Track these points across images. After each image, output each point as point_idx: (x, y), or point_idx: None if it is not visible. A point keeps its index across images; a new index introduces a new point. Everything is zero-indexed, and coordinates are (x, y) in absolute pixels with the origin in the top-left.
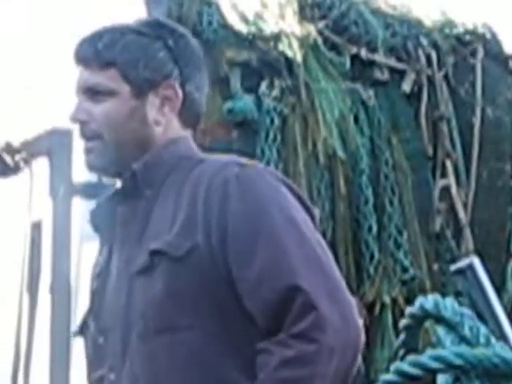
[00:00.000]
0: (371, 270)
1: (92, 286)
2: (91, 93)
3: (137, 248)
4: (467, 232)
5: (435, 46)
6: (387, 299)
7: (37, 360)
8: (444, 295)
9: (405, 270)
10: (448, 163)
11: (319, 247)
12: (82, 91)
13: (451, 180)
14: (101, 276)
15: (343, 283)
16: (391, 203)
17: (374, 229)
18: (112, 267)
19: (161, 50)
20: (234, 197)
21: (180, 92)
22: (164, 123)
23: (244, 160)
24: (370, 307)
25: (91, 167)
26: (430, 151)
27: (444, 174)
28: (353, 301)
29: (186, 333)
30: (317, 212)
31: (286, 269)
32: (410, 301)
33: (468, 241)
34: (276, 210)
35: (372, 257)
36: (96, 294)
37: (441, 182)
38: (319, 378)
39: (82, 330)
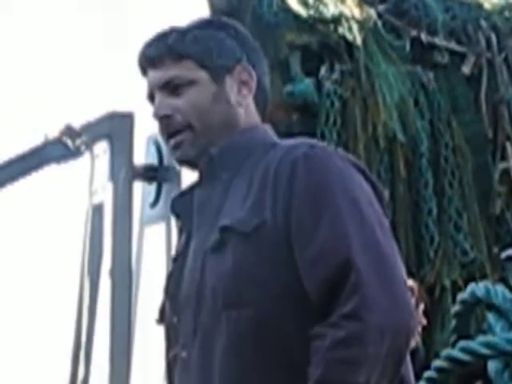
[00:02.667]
0: (431, 253)
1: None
2: (170, 87)
3: (211, 229)
4: None
5: (495, 28)
6: (447, 282)
7: (98, 343)
8: (504, 278)
9: (465, 252)
10: (508, 146)
11: (380, 229)
12: (158, 89)
13: (511, 163)
14: (177, 260)
15: (400, 268)
16: (451, 186)
17: (434, 212)
18: (189, 251)
19: (227, 39)
20: (300, 175)
21: (254, 73)
22: (244, 104)
23: (314, 141)
24: (429, 290)
25: (183, 161)
26: (490, 134)
27: (504, 157)
28: (407, 284)
29: (253, 308)
30: (386, 194)
31: (343, 247)
32: (469, 283)
33: None
34: (340, 189)
35: (432, 240)
36: (172, 277)
37: (501, 165)
38: (371, 358)
39: (162, 315)
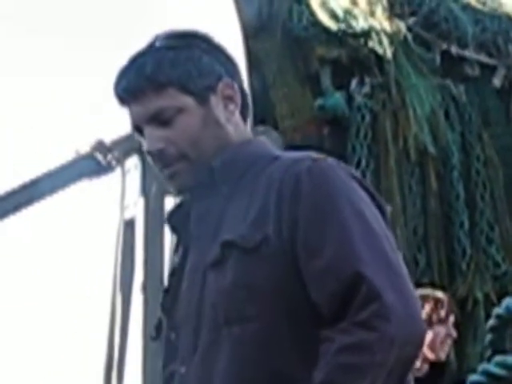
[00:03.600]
0: (463, 265)
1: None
2: (157, 119)
3: (211, 243)
4: None
5: None
6: (480, 295)
7: (130, 359)
8: None
9: (497, 265)
10: None
11: (387, 242)
12: (145, 123)
13: None
14: (175, 275)
15: (409, 279)
16: (483, 198)
17: (466, 224)
18: (187, 265)
19: (202, 56)
20: (304, 189)
21: (237, 87)
22: (233, 121)
23: (317, 155)
24: (462, 303)
25: (180, 190)
26: None
27: None
28: (417, 296)
29: (254, 324)
30: (388, 208)
31: (352, 259)
32: (502, 296)
33: None
34: (345, 203)
35: (464, 252)
36: (169, 292)
37: None
38: (377, 367)
39: (158, 331)
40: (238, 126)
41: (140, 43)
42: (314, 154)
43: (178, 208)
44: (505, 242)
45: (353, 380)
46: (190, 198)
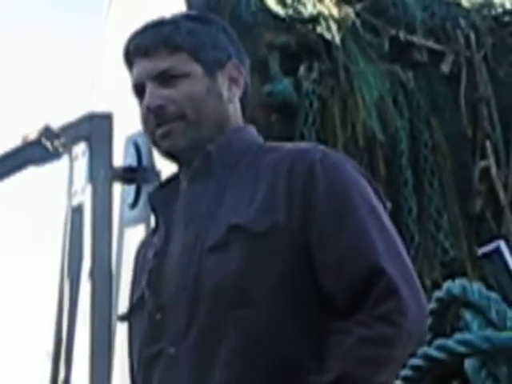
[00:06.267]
0: (412, 252)
1: (144, 265)
2: (163, 78)
3: (209, 225)
4: (507, 213)
5: (474, 27)
6: (428, 282)
7: (78, 345)
8: (484, 277)
9: (445, 251)
10: (488, 144)
11: (397, 236)
12: (150, 79)
13: (491, 161)
14: (158, 255)
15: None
16: (431, 185)
17: (414, 211)
18: (172, 246)
19: (219, 33)
20: (318, 181)
21: (243, 71)
22: (234, 102)
23: (323, 147)
24: None
25: (170, 150)
26: (470, 133)
27: (484, 156)
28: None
29: (260, 309)
30: (389, 205)
31: (370, 251)
32: None
33: (508, 222)
34: (359, 197)
35: (412, 239)
36: (153, 273)
37: (480, 164)
38: (394, 362)
39: (132, 311)
40: (236, 109)
41: None
42: (321, 146)
43: (159, 189)
44: (453, 229)
45: (371, 373)
46: (181, 179)
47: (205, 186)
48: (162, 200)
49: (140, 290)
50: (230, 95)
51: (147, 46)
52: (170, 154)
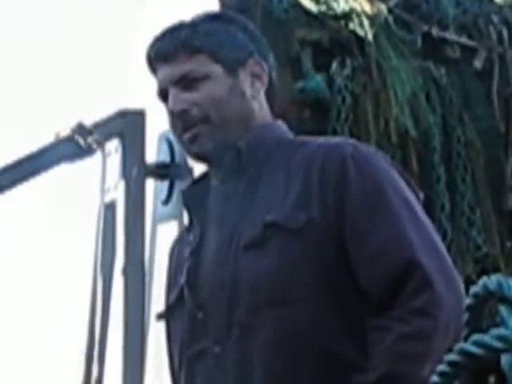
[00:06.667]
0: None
1: (180, 262)
2: (184, 82)
3: (243, 223)
4: None
5: (506, 22)
6: (461, 278)
7: (111, 343)
8: None
9: (478, 247)
10: None
11: (431, 228)
12: (172, 84)
13: None
14: (194, 253)
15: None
16: (464, 181)
17: (447, 207)
18: (207, 244)
19: (238, 32)
20: (351, 175)
21: (266, 67)
22: (258, 98)
23: (355, 141)
24: None
25: (199, 153)
26: (502, 128)
27: None
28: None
29: (299, 306)
30: (421, 196)
31: (404, 245)
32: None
33: None
34: (392, 190)
35: (445, 235)
36: (191, 271)
37: None
38: (434, 354)
39: (170, 310)
40: (262, 106)
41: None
42: (352, 141)
43: (192, 187)
44: (486, 225)
45: (415, 367)
46: (212, 177)
47: (236, 184)
48: (195, 198)
49: (178, 289)
50: (254, 92)
51: (166, 51)
52: (200, 158)
